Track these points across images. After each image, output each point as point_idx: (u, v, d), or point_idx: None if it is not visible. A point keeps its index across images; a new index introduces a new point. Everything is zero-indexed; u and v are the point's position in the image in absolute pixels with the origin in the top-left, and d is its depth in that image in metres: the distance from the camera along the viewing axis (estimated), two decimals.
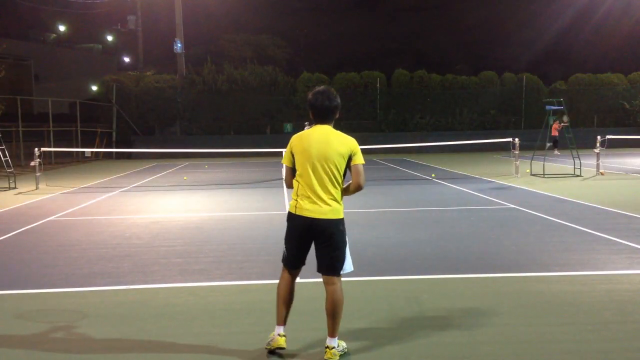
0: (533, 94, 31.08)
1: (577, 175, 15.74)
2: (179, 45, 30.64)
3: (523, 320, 4.67)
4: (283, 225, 4.20)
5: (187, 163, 23.96)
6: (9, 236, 8.44)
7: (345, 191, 4.02)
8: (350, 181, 4.01)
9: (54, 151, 21.93)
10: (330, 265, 3.95)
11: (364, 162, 3.99)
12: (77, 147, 25.32)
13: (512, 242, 7.57)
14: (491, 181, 14.89)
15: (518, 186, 13.67)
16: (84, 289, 5.74)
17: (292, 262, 4.06)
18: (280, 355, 4.05)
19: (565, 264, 6.40)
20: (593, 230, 8.19)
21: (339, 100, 4.02)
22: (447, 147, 26.93)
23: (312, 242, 4.00)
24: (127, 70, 41.36)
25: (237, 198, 12.52)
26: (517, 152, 16.25)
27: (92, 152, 25.03)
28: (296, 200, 3.96)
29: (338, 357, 3.90)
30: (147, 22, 41.03)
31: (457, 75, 32.13)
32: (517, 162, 16.17)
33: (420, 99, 30.85)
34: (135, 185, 15.46)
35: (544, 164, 16.48)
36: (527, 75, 31.69)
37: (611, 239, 7.58)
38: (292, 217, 4.00)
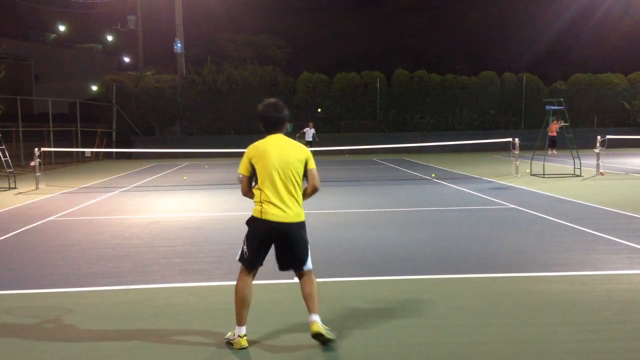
0: (533, 94, 31.07)
1: (577, 175, 15.74)
2: (179, 45, 30.65)
3: (523, 320, 4.67)
4: None
5: (187, 163, 23.96)
6: (9, 236, 8.44)
7: (303, 194, 4.27)
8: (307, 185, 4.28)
9: (54, 151, 21.93)
10: (294, 264, 4.23)
11: (315, 167, 4.27)
12: (77, 147, 25.33)
13: (512, 242, 7.57)
14: (491, 181, 14.89)
15: (518, 186, 13.67)
16: (84, 289, 5.74)
17: (254, 263, 4.27)
18: (278, 354, 4.05)
19: (565, 264, 6.40)
20: (593, 230, 8.19)
21: (286, 112, 4.32)
22: (447, 147, 26.93)
23: (273, 244, 4.22)
24: (127, 70, 41.40)
25: (237, 198, 12.48)
26: (517, 152, 16.25)
27: (92, 152, 25.05)
28: (261, 205, 4.14)
29: (324, 329, 4.05)
30: (147, 22, 41.07)
31: (457, 75, 32.13)
32: (517, 162, 16.17)
33: (420, 99, 30.86)
34: (135, 185, 15.46)
35: (544, 164, 16.49)
36: (527, 75, 31.69)
37: (611, 239, 7.57)
38: (257, 221, 4.19)
